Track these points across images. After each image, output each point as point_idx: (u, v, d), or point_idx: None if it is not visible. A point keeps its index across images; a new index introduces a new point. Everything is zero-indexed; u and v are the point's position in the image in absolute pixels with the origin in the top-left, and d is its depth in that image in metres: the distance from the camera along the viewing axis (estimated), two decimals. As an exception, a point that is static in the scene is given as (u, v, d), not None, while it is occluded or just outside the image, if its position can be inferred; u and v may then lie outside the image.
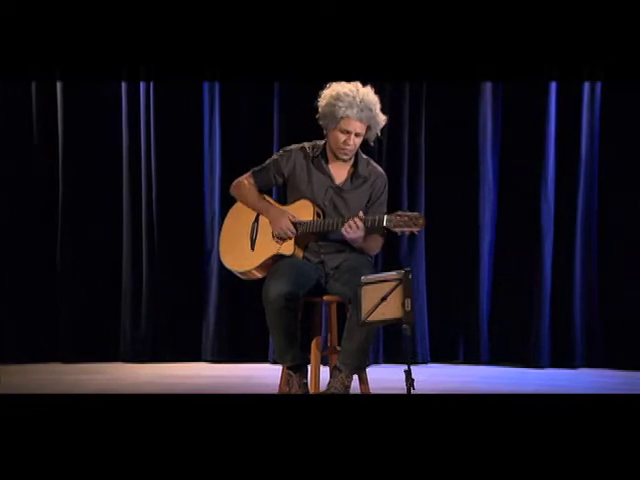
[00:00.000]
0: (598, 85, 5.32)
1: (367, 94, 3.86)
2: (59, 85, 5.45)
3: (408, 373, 3.14)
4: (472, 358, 5.48)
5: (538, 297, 5.37)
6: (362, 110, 3.82)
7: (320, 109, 3.91)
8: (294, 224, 3.88)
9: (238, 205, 4.09)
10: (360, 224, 3.76)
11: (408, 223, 3.70)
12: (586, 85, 5.31)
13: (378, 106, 3.89)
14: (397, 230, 3.73)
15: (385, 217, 3.74)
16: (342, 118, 3.81)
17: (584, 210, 5.38)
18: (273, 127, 5.41)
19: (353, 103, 3.80)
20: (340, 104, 3.81)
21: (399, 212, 3.75)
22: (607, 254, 5.38)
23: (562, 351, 5.36)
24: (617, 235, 5.35)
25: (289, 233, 3.88)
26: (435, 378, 4.90)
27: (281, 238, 3.93)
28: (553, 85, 5.33)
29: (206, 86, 5.48)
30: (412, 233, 3.76)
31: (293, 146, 4.04)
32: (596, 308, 5.41)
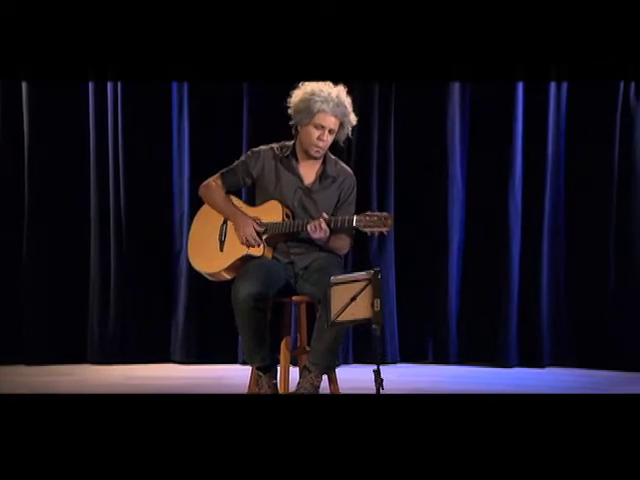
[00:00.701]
0: (564, 85, 5.36)
1: (341, 92, 3.89)
2: (24, 85, 5.39)
3: (377, 373, 3.15)
4: (441, 358, 5.50)
5: (506, 297, 5.40)
6: (337, 106, 3.84)
7: (293, 105, 3.90)
8: (258, 233, 3.89)
9: (207, 206, 4.08)
10: (324, 225, 3.77)
11: (377, 223, 3.72)
12: (552, 85, 5.35)
13: (350, 105, 3.90)
14: (366, 230, 3.74)
15: (354, 217, 3.75)
16: (318, 112, 3.82)
17: (551, 210, 5.42)
18: (243, 127, 5.40)
19: (328, 98, 3.83)
20: (316, 98, 3.82)
21: (368, 212, 3.76)
22: (574, 254, 5.43)
23: (530, 351, 5.40)
24: (584, 235, 5.40)
25: (253, 242, 3.88)
26: (404, 378, 4.91)
27: (248, 241, 3.93)
28: (520, 85, 5.37)
29: (174, 86, 5.45)
30: (381, 233, 3.77)
31: (262, 147, 4.04)
32: (563, 308, 5.45)
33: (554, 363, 5.40)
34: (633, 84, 5.28)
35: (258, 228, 3.89)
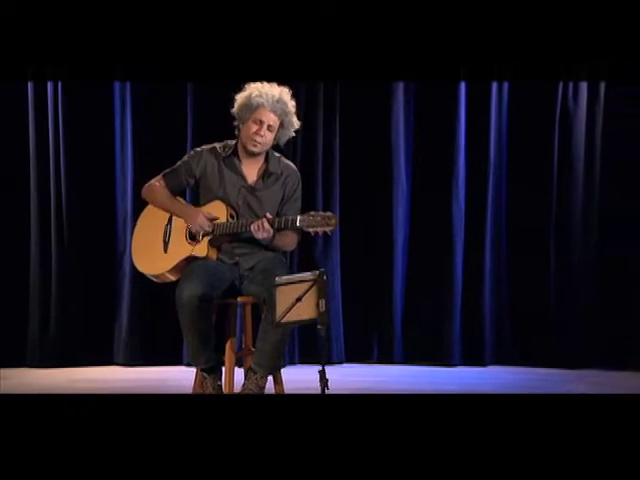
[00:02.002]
0: (505, 86, 5.43)
1: (283, 92, 3.89)
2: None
3: (322, 373, 3.15)
4: (386, 358, 5.53)
5: (450, 296, 5.45)
6: (277, 102, 3.85)
7: (236, 105, 3.91)
8: (210, 220, 3.87)
9: (150, 207, 4.05)
10: (267, 225, 3.77)
11: (321, 223, 3.72)
12: (494, 85, 5.42)
13: (293, 107, 3.91)
14: (310, 230, 3.74)
15: (298, 217, 3.75)
16: (257, 107, 3.83)
17: (493, 209, 5.49)
18: (187, 127, 5.37)
19: (269, 95, 3.84)
20: (256, 94, 3.84)
21: (312, 212, 3.76)
22: (516, 253, 5.50)
23: (473, 350, 5.45)
24: (525, 234, 5.47)
25: (206, 228, 3.86)
26: (349, 378, 4.92)
27: (194, 239, 3.90)
28: (463, 85, 5.43)
29: (117, 86, 5.39)
30: (325, 233, 3.77)
31: (204, 147, 4.02)
32: (505, 307, 5.52)
33: (497, 361, 5.46)
34: (571, 85, 5.37)
35: (209, 216, 3.88)
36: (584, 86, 5.34)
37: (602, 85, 5.33)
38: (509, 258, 5.51)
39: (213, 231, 3.88)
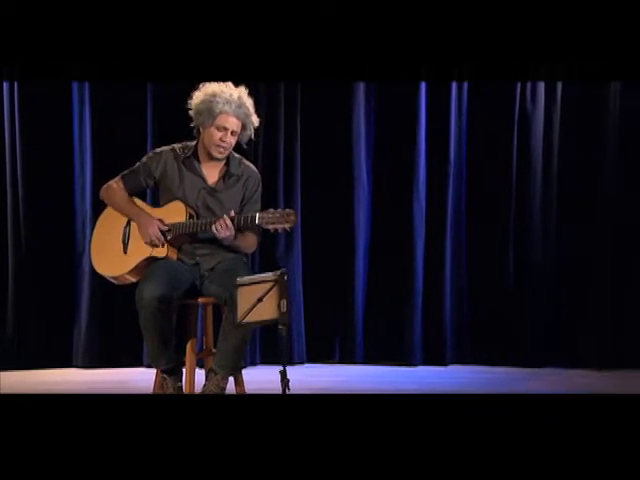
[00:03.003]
0: (465, 85, 5.46)
1: (242, 93, 3.88)
2: None
3: (283, 374, 3.15)
4: (347, 358, 5.54)
5: (411, 296, 5.47)
6: (239, 107, 3.83)
7: (194, 107, 3.88)
8: (163, 232, 3.84)
9: (110, 209, 4.01)
10: (229, 223, 3.75)
11: (279, 220, 3.72)
12: (454, 86, 5.45)
13: (252, 106, 3.90)
14: (269, 227, 3.74)
15: (257, 215, 3.75)
16: (219, 114, 3.81)
17: (453, 210, 5.52)
18: (147, 128, 5.33)
19: (230, 100, 3.81)
20: (217, 99, 3.81)
21: (271, 209, 3.76)
22: (476, 254, 5.53)
23: (434, 349, 5.48)
24: (485, 235, 5.50)
25: (157, 242, 3.84)
26: (311, 378, 4.93)
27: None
28: (423, 86, 5.45)
29: (75, 86, 5.34)
30: (285, 230, 3.76)
31: (163, 148, 4.00)
32: (465, 307, 5.55)
33: (457, 361, 5.49)
34: (529, 86, 5.42)
35: (162, 227, 3.85)
36: (542, 86, 5.40)
37: (559, 85, 5.39)
38: (469, 258, 5.55)
39: (170, 231, 3.86)
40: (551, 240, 5.46)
